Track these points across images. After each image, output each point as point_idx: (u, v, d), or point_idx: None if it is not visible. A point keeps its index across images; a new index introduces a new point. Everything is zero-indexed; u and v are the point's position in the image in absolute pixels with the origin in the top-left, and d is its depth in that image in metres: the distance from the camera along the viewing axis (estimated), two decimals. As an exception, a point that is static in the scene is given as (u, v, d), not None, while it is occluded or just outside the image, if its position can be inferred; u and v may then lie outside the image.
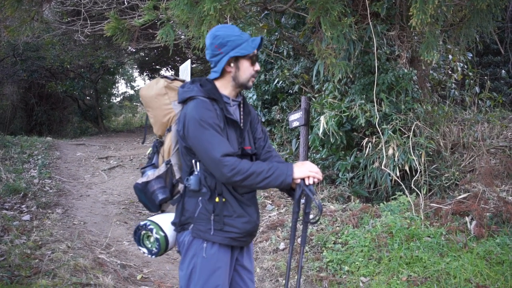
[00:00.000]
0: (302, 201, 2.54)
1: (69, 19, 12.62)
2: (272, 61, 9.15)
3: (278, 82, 8.86)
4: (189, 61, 15.00)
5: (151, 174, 2.57)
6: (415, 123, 6.34)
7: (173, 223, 2.53)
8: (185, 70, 15.07)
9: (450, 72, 7.78)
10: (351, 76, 6.61)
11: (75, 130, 21.71)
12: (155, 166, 2.65)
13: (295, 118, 7.51)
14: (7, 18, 5.07)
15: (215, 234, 2.41)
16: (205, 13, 5.43)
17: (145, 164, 2.68)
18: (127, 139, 16.50)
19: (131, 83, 29.73)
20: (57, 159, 11.21)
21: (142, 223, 2.58)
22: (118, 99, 28.84)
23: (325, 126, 6.19)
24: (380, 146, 6.31)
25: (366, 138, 6.59)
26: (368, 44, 6.27)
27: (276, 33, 7.57)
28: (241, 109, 2.66)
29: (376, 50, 5.90)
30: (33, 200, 7.08)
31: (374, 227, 5.30)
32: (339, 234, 5.39)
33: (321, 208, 2.46)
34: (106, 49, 16.45)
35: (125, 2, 10.15)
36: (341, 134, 6.58)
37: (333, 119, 6.25)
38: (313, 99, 7.62)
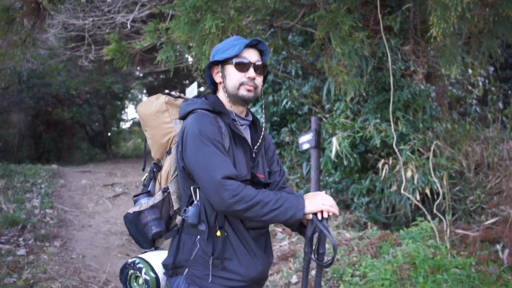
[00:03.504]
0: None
1: (73, 44, 12.47)
2: (280, 81, 8.82)
3: (286, 103, 8.50)
4: (195, 83, 14.78)
5: (144, 203, 2.18)
6: (434, 142, 5.91)
7: (164, 265, 2.12)
8: (192, 92, 14.84)
9: (470, 88, 7.36)
10: (364, 94, 6.23)
11: (83, 156, 21.47)
12: (150, 194, 2.26)
13: (305, 140, 7.12)
14: (-2, 42, 4.75)
15: (214, 282, 2.01)
16: (206, 31, 5.12)
17: (139, 192, 2.30)
18: (135, 165, 16.16)
19: (140, 108, 29.59)
20: (61, 188, 10.88)
21: (130, 260, 2.17)
22: (128, 124, 28.69)
23: (338, 148, 5.78)
24: (397, 168, 5.89)
25: (382, 160, 6.17)
26: (381, 60, 5.90)
27: (284, 52, 7.24)
28: (253, 130, 2.29)
29: (391, 65, 5.54)
30: (31, 232, 6.72)
31: (395, 257, 4.85)
32: (356, 266, 4.94)
33: (336, 248, 2.06)
34: (112, 74, 16.27)
35: (128, 26, 9.95)
36: (355, 156, 6.16)
37: (346, 140, 5.84)
38: (324, 119, 7.24)
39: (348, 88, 5.21)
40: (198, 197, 2.05)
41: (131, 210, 2.19)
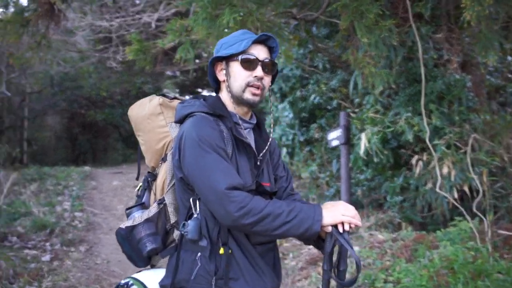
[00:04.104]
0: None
1: (101, 46, 12.49)
2: (307, 75, 8.51)
3: (314, 98, 8.18)
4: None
5: (138, 216, 1.96)
6: (472, 136, 5.48)
7: (162, 286, 1.89)
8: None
9: (510, 76, 6.87)
10: (394, 86, 5.86)
11: (117, 157, 21.69)
12: (144, 206, 2.04)
13: (334, 136, 6.82)
14: (12, 45, 4.67)
15: None
16: (224, 26, 4.90)
17: (133, 204, 2.08)
18: (167, 164, 16.13)
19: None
20: (92, 190, 10.93)
21: (123, 281, 1.95)
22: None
23: (367, 144, 5.45)
24: (433, 164, 5.51)
25: (416, 156, 5.79)
26: (411, 49, 5.52)
27: (309, 45, 6.94)
28: (257, 134, 2.05)
29: (422, 55, 5.16)
30: (59, 236, 6.69)
31: (432, 261, 4.51)
32: (389, 271, 4.63)
33: (360, 264, 1.79)
34: (142, 74, 16.29)
35: (153, 25, 9.84)
36: (385, 152, 5.80)
37: (375, 136, 5.50)
38: (353, 114, 6.91)
39: (376, 80, 4.87)
40: (198, 209, 1.82)
41: (123, 225, 1.97)
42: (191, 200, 1.83)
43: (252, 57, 1.89)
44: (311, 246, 6.01)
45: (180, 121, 1.93)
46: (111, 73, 15.30)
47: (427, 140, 4.58)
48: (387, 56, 5.26)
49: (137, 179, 2.24)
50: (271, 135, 2.07)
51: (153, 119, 2.01)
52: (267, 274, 1.87)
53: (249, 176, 1.87)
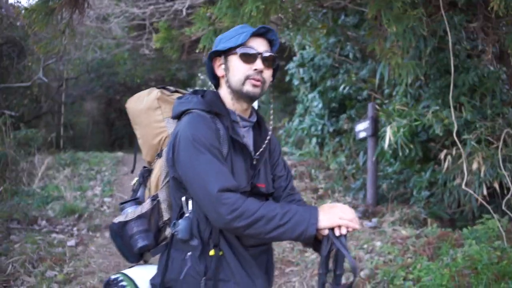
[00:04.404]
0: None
1: (135, 33, 12.61)
2: (337, 65, 8.33)
3: (344, 88, 8.01)
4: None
5: (131, 212, 1.92)
6: (505, 130, 5.22)
7: (153, 285, 1.86)
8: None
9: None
10: (423, 78, 5.64)
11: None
12: (139, 201, 1.99)
13: (362, 128, 6.72)
14: (37, 33, 4.72)
15: None
16: (247, 14, 4.82)
17: (127, 198, 2.04)
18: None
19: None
20: (124, 175, 11.09)
21: (113, 276, 1.92)
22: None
23: (392, 138, 5.28)
24: (462, 159, 5.30)
25: (445, 150, 5.58)
26: (443, 39, 5.29)
27: (338, 35, 6.77)
28: (257, 132, 1.98)
29: (454, 45, 4.95)
30: (86, 222, 6.82)
31: (454, 260, 4.35)
32: (410, 268, 4.49)
33: (357, 269, 1.72)
34: (177, 61, 16.38)
35: (184, 13, 9.83)
36: (411, 146, 5.61)
37: (402, 129, 5.32)
38: (384, 106, 6.72)
39: (403, 72, 4.72)
40: (190, 209, 1.78)
41: (116, 220, 1.95)
42: (183, 199, 1.79)
43: (252, 51, 1.82)
44: (332, 240, 5.90)
45: (177, 117, 1.88)
46: (146, 59, 15.47)
47: (454, 135, 4.39)
48: (416, 47, 5.07)
49: (132, 172, 2.21)
50: (269, 132, 2.00)
51: (150, 113, 1.97)
52: (258, 277, 1.82)
53: (244, 177, 1.82)
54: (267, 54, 1.85)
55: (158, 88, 2.05)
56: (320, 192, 7.59)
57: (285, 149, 11.69)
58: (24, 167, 9.73)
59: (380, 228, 5.67)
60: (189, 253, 1.78)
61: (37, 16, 4.60)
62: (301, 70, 9.54)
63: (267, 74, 1.87)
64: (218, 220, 1.65)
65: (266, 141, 1.95)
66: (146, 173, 2.03)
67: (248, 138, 1.93)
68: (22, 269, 4.57)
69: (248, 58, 1.82)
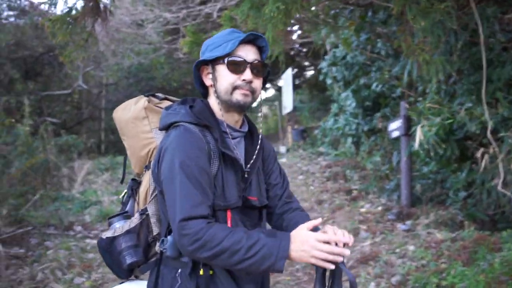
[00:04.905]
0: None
1: (170, 38, 12.74)
2: (369, 63, 8.11)
3: (377, 86, 7.79)
4: (289, 70, 14.32)
5: (119, 227, 1.84)
6: (547, 128, 4.92)
7: None
8: (287, 80, 14.42)
9: None
10: (454, 74, 5.38)
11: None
12: (127, 215, 1.92)
13: (395, 127, 6.52)
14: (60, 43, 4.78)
15: None
16: (267, 15, 4.73)
17: (116, 212, 1.97)
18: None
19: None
20: (161, 179, 11.19)
21: None
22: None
23: (422, 137, 5.07)
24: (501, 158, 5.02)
25: (482, 149, 5.30)
26: (476, 32, 5.03)
27: (368, 32, 6.57)
28: (249, 142, 1.89)
29: (488, 38, 4.68)
30: (121, 226, 6.90)
31: (491, 266, 4.12)
32: (444, 274, 4.29)
33: (356, 284, 1.59)
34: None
35: (215, 16, 9.84)
36: (444, 145, 5.35)
37: (433, 128, 5.09)
38: (416, 104, 6.48)
39: (431, 68, 4.50)
40: None
41: (103, 235, 1.88)
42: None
43: (239, 59, 1.73)
44: (364, 243, 5.71)
45: (165, 128, 1.81)
46: (182, 63, 15.60)
47: (488, 132, 4.14)
48: (447, 42, 4.84)
49: (121, 182, 2.16)
50: (260, 139, 1.90)
51: (137, 123, 1.89)
52: None
53: (235, 191, 1.73)
54: (256, 62, 1.76)
55: (147, 96, 1.97)
56: (354, 193, 7.41)
57: (321, 149, 11.52)
58: (65, 173, 9.98)
59: (414, 231, 5.46)
60: (179, 270, 1.71)
61: (60, 26, 4.68)
62: (333, 68, 9.37)
63: (257, 83, 1.78)
64: (182, 251, 1.59)
65: (257, 152, 1.86)
66: (135, 186, 1.96)
67: (239, 149, 1.84)
68: (52, 276, 4.64)
69: (236, 67, 1.73)
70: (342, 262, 1.59)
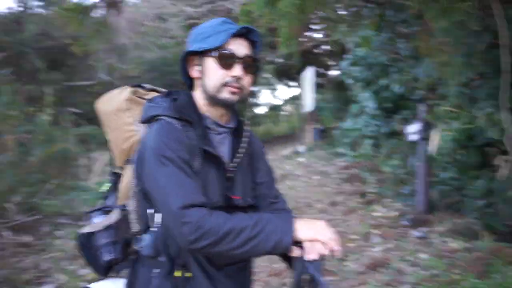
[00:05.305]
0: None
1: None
2: (389, 63, 7.90)
3: (398, 87, 7.58)
4: (310, 69, 14.09)
5: (98, 222, 1.78)
6: None
7: None
8: (308, 78, 14.20)
9: None
10: (473, 77, 5.17)
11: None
12: (107, 210, 1.84)
13: (413, 130, 6.31)
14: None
15: None
16: (282, 11, 4.62)
17: (96, 206, 1.89)
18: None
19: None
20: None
21: None
22: (263, 109, 28.68)
23: (437, 142, 4.89)
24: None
25: (502, 156, 5.10)
26: (498, 34, 4.82)
27: (387, 31, 6.39)
28: (236, 139, 1.78)
29: (511, 40, 4.46)
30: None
31: (507, 279, 3.94)
32: (455, 286, 4.12)
33: None
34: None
35: (235, 11, 9.76)
36: (464, 151, 5.16)
37: (450, 133, 4.90)
38: (436, 107, 6.28)
39: (449, 70, 4.33)
40: (156, 222, 1.60)
41: (82, 230, 1.81)
42: (150, 211, 1.62)
43: (230, 54, 1.62)
44: (376, 248, 5.56)
45: (146, 121, 1.72)
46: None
47: (504, 139, 3.96)
48: (467, 43, 4.64)
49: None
50: (247, 136, 1.79)
51: (120, 115, 1.80)
52: None
53: (216, 190, 1.63)
54: (247, 58, 1.65)
55: (133, 86, 1.88)
56: (369, 196, 7.23)
57: (339, 150, 11.33)
58: (83, 163, 10.04)
59: (428, 238, 5.28)
60: (156, 271, 1.61)
61: (73, 16, 4.67)
62: (354, 68, 9.18)
63: (247, 80, 1.67)
64: (181, 241, 1.46)
65: (242, 149, 1.75)
66: (117, 179, 1.87)
67: (224, 145, 1.73)
68: (57, 266, 4.64)
69: (226, 62, 1.62)
70: (321, 276, 1.49)
